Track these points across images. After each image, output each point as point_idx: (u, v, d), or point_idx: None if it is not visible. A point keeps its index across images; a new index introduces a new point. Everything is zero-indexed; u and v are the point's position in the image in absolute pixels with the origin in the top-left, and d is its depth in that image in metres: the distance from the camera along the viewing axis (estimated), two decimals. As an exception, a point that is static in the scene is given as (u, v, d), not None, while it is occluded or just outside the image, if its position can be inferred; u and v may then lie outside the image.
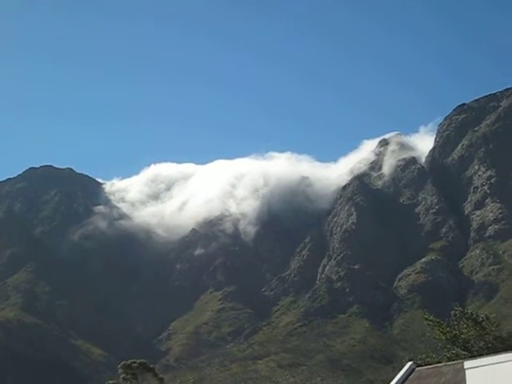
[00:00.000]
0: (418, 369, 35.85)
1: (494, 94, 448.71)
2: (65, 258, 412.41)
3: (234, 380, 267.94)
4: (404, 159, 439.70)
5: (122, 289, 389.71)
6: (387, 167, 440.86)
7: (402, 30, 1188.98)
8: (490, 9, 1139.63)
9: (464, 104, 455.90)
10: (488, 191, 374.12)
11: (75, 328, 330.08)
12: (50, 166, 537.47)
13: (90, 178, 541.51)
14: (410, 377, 34.82)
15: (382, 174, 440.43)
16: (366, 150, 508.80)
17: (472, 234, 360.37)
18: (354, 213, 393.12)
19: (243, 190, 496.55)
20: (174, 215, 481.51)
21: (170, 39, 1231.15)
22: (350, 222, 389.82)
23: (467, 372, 27.21)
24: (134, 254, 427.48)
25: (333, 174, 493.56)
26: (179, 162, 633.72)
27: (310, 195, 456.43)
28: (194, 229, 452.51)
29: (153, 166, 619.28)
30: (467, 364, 27.58)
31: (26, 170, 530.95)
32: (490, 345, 57.30)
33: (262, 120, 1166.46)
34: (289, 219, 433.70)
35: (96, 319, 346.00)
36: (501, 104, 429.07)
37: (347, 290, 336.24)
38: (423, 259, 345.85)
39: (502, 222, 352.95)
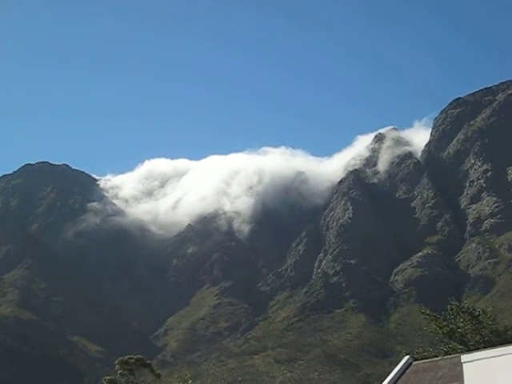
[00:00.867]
0: (414, 363, 35.74)
1: (490, 87, 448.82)
2: (61, 255, 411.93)
3: (230, 375, 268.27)
4: (400, 154, 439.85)
5: (118, 284, 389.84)
6: (383, 162, 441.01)
7: (396, 24, 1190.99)
8: (485, 3, 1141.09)
9: (459, 98, 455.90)
10: (484, 185, 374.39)
11: (72, 324, 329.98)
12: (46, 162, 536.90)
13: (85, 174, 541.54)
14: (407, 371, 34.70)
15: (377, 168, 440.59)
16: (362, 144, 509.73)
17: (468, 228, 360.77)
18: (350, 207, 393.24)
19: (238, 186, 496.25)
20: (170, 211, 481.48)
21: (162, 36, 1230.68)
22: (346, 216, 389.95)
23: (464, 366, 27.10)
24: (130, 250, 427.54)
25: (328, 169, 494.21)
26: (174, 157, 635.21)
27: (306, 190, 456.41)
28: (190, 224, 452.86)
29: (148, 161, 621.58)
30: (464, 358, 27.46)
31: (22, 167, 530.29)
32: (486, 339, 57.22)
33: (255, 115, 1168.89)
34: (285, 214, 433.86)
35: (93, 315, 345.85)
36: (496, 98, 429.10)
37: (343, 284, 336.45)
38: (419, 253, 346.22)
39: (498, 215, 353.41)
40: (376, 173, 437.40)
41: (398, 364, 35.90)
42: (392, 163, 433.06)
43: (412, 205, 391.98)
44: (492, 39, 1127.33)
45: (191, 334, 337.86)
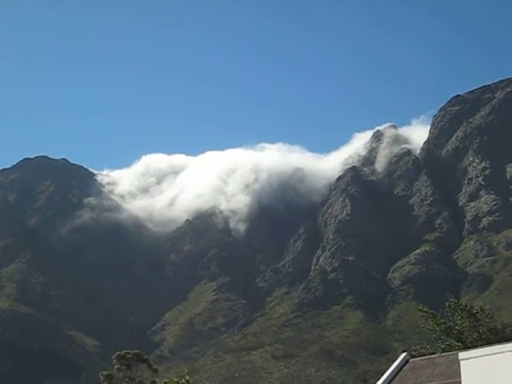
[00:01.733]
0: (412, 360, 35.79)
1: (489, 85, 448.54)
2: (59, 249, 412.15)
3: (228, 371, 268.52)
4: (398, 151, 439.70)
5: (115, 279, 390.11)
6: (381, 159, 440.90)
7: (394, 21, 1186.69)
8: (484, 1, 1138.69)
9: (458, 95, 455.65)
10: (482, 183, 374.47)
11: (69, 318, 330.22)
12: (45, 156, 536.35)
13: (84, 168, 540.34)
14: (404, 368, 34.76)
15: (376, 165, 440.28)
16: (360, 141, 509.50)
17: (466, 226, 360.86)
18: (349, 204, 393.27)
19: (235, 182, 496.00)
20: (168, 206, 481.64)
21: (159, 33, 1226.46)
22: (345, 213, 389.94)
23: (462, 363, 27.11)
24: (128, 245, 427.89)
25: (326, 166, 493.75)
26: (171, 152, 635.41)
27: (304, 186, 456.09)
28: (188, 220, 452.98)
29: (145, 157, 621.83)
30: (462, 355, 27.46)
31: (21, 161, 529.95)
32: (484, 336, 57.28)
33: (253, 111, 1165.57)
34: (283, 210, 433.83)
35: (90, 310, 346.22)
36: (495, 96, 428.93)
37: (341, 281, 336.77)
38: (417, 250, 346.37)
39: (496, 213, 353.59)
40: (374, 170, 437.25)
41: (395, 361, 35.96)
42: (390, 160, 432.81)
43: (410, 202, 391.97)
44: (491, 37, 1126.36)
45: (188, 330, 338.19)
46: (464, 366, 26.89)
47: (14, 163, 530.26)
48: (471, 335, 58.15)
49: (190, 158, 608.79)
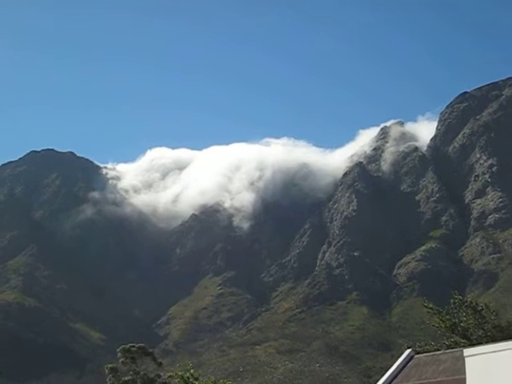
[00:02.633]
0: (416, 356, 35.85)
1: (496, 82, 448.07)
2: (65, 242, 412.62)
3: (232, 365, 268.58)
4: (405, 147, 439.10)
5: (121, 273, 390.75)
6: (388, 155, 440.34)
7: (401, 18, 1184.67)
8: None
9: (466, 92, 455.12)
10: (489, 180, 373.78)
11: (74, 311, 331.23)
12: (52, 149, 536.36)
13: (90, 161, 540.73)
14: (409, 364, 34.81)
15: (382, 161, 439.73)
16: (366, 138, 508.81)
17: (472, 223, 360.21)
18: (355, 200, 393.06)
19: (240, 177, 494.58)
20: (172, 203, 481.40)
21: (164, 25, 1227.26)
22: (351, 209, 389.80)
23: (467, 360, 27.14)
24: (133, 239, 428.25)
25: (332, 162, 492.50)
26: (175, 147, 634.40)
27: (309, 183, 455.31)
28: (194, 214, 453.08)
29: (149, 151, 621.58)
30: (466, 352, 27.50)
31: (28, 154, 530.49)
32: (488, 333, 57.25)
33: (258, 105, 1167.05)
34: (288, 206, 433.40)
35: (95, 303, 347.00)
36: (503, 93, 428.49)
37: (346, 276, 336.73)
38: (423, 247, 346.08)
39: (503, 210, 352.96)
40: (380, 166, 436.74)
41: (399, 357, 36.02)
42: (397, 156, 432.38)
43: (416, 198, 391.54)
44: (499, 34, 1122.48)
45: (193, 324, 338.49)
46: (469, 363, 26.93)
47: (20, 156, 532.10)
48: (476, 332, 58.14)
49: (194, 152, 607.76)
